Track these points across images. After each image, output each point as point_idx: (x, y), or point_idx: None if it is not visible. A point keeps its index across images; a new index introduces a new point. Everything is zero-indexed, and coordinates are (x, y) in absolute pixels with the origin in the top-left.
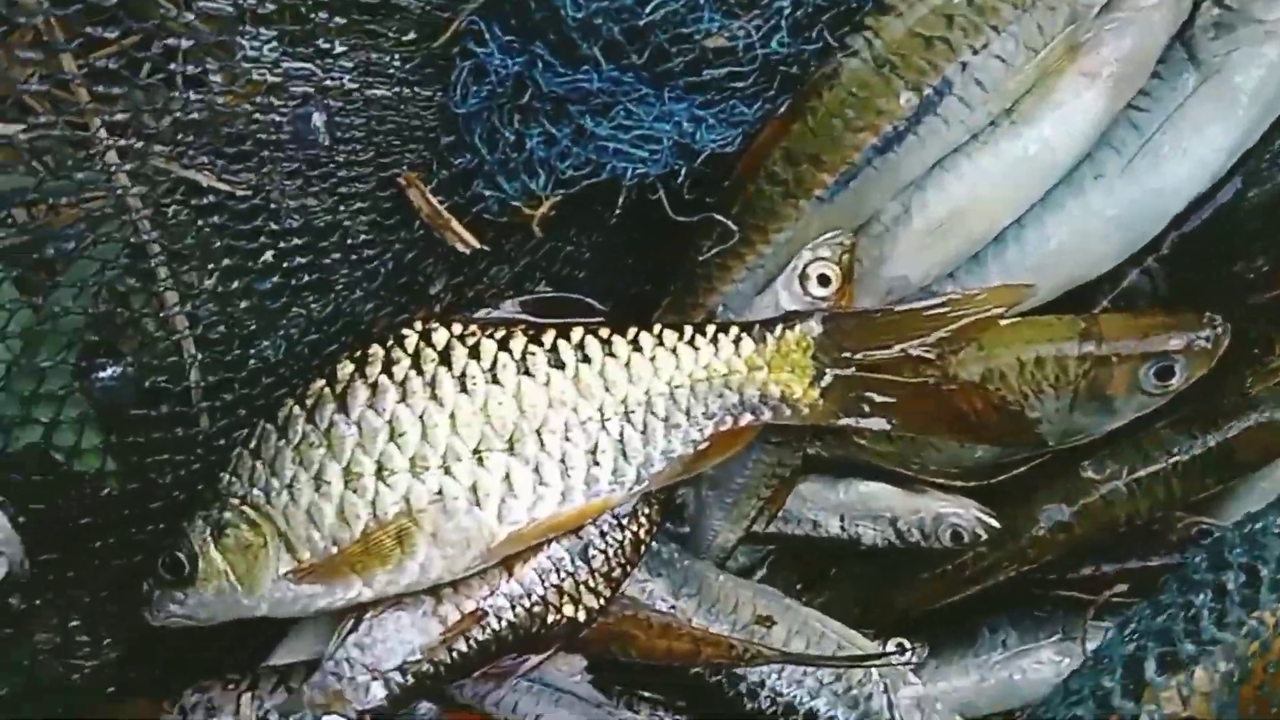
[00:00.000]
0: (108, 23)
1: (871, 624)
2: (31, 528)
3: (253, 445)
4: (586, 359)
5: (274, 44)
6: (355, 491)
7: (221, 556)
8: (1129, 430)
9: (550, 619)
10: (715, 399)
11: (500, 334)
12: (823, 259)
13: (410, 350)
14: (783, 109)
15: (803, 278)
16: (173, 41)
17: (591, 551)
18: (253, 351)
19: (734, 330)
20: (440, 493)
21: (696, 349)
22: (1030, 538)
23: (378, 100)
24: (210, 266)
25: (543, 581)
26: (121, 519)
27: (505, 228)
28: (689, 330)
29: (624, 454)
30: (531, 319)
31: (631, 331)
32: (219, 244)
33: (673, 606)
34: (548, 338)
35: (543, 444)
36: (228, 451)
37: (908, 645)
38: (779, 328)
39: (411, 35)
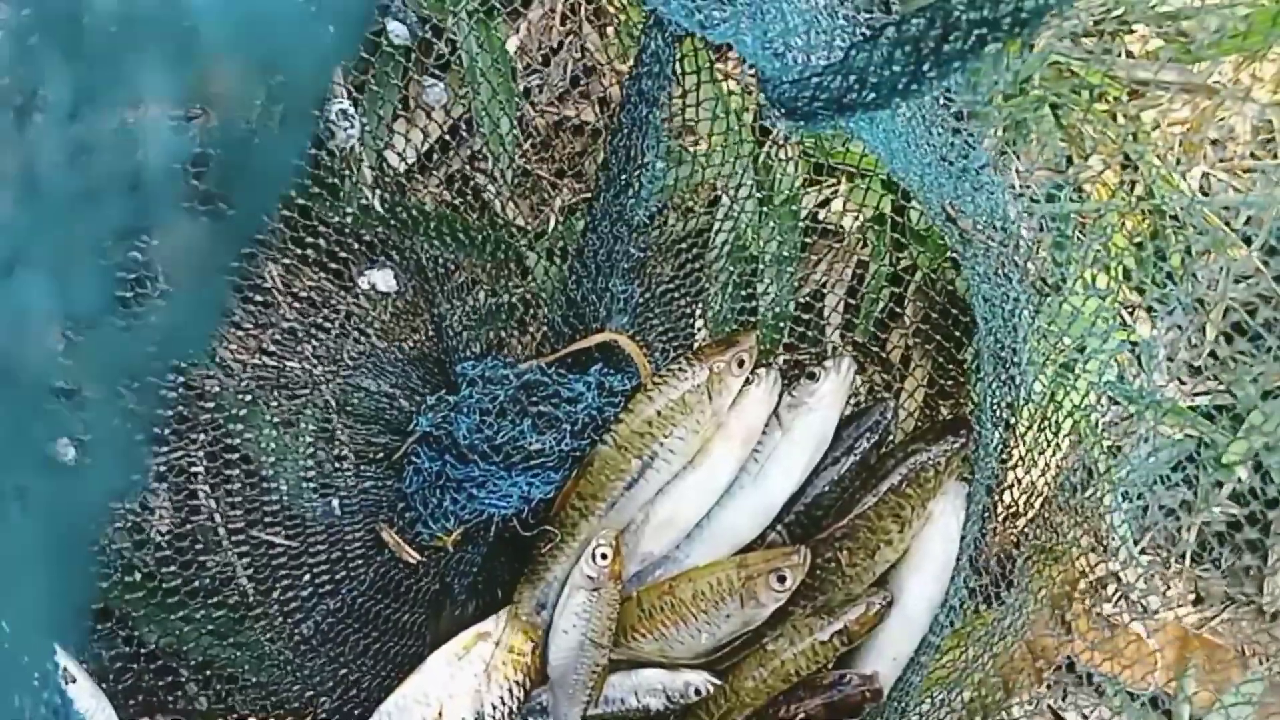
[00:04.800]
0: None
1: None
2: None
3: None
4: None
5: (311, 469)
6: None
7: None
8: (784, 619)
9: None
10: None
11: None
12: (600, 544)
13: None
14: (574, 473)
15: (592, 556)
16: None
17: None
18: None
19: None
20: None
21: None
22: (746, 689)
23: (365, 489)
24: None
25: None
26: None
27: (433, 549)
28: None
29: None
30: None
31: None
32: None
33: None
34: None
35: None
36: None
37: None
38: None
39: (381, 455)
